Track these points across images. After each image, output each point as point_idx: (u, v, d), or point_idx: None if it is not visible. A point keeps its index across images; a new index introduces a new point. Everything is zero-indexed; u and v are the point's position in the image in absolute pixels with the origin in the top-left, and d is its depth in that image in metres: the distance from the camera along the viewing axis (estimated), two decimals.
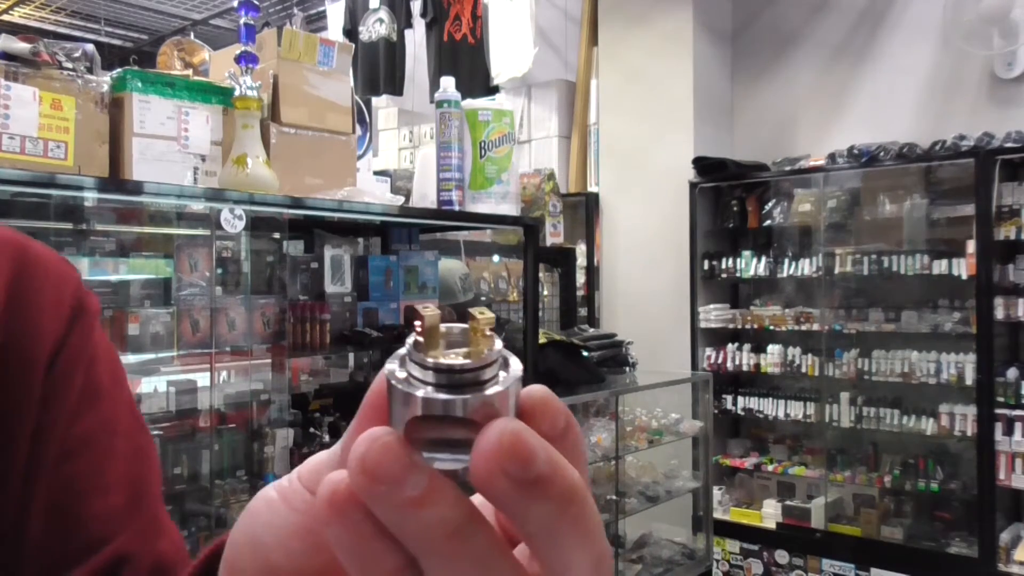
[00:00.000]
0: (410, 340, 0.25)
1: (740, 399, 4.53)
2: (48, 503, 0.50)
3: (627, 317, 4.72)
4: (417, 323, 0.25)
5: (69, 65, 1.88)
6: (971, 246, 3.77)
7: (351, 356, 2.81)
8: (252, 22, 2.12)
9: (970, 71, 4.09)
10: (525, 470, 0.22)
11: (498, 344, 0.25)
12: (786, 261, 4.40)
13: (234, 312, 2.17)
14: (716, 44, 4.77)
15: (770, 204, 4.51)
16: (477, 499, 0.24)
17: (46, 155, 1.80)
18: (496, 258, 3.94)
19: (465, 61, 4.61)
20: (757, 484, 4.51)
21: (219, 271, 2.16)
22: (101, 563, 0.50)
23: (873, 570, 3.94)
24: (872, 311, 4.13)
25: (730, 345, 4.58)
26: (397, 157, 5.94)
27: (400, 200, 2.62)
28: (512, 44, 4.55)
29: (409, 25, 4.95)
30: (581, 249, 4.80)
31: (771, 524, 4.28)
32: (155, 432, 1.93)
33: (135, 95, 1.96)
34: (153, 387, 2.08)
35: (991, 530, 3.66)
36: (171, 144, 2.04)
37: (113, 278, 2.09)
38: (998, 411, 3.67)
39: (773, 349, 4.41)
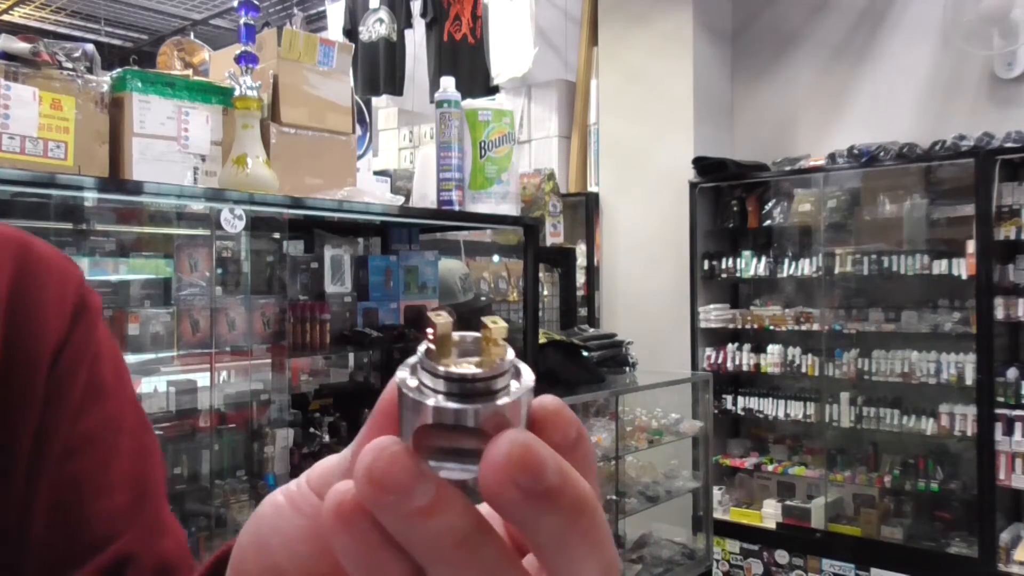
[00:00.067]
0: (422, 348, 0.25)
1: (740, 399, 4.53)
2: (52, 502, 0.50)
3: (627, 317, 4.72)
4: (429, 331, 0.25)
5: (69, 65, 1.88)
6: (971, 246, 3.77)
7: (351, 356, 2.81)
8: (252, 22, 2.11)
9: (970, 71, 4.09)
10: (535, 482, 0.22)
11: (510, 354, 0.25)
12: (786, 261, 4.40)
13: (234, 312, 2.17)
14: (716, 44, 4.77)
15: (770, 204, 4.51)
16: (485, 508, 0.24)
17: (46, 155, 1.80)
18: (496, 258, 3.94)
19: (465, 61, 4.62)
20: (757, 484, 4.51)
21: (219, 271, 2.15)
22: (105, 562, 0.50)
23: (873, 570, 3.94)
24: (872, 311, 4.14)
25: (730, 345, 4.58)
26: (397, 157, 5.94)
27: (400, 200, 2.62)
28: (512, 44, 4.56)
29: (409, 25, 4.95)
30: (581, 249, 4.80)
31: (771, 524, 4.28)
32: (155, 432, 1.93)
33: (135, 95, 1.96)
34: (153, 387, 2.08)
35: (991, 530, 3.66)
36: (171, 144, 2.04)
37: (113, 278, 2.09)
38: (998, 411, 3.67)
39: (773, 349, 4.42)
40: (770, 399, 4.44)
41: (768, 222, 4.51)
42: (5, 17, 6.56)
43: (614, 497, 3.20)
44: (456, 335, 0.25)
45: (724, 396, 4.54)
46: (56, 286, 0.54)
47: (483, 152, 2.52)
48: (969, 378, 3.78)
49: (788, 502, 4.31)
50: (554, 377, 2.99)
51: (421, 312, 2.66)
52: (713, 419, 3.89)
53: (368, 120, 4.23)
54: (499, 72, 4.61)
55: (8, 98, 1.73)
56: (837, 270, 4.22)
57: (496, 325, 0.25)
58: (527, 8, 4.54)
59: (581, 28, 5.20)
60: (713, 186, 4.55)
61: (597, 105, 5.02)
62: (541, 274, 3.58)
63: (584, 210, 4.94)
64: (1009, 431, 3.64)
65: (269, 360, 2.26)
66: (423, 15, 4.74)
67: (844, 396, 4.20)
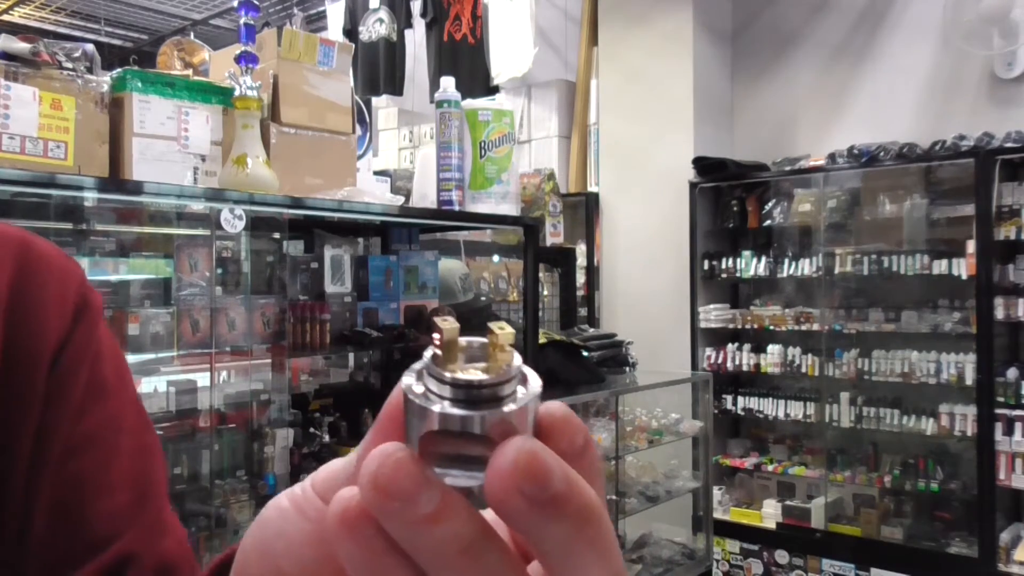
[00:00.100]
0: (428, 354, 0.25)
1: (740, 399, 4.53)
2: (52, 501, 0.50)
3: (627, 317, 4.72)
4: (436, 336, 0.25)
5: (69, 65, 1.88)
6: (971, 246, 3.77)
7: (351, 356, 2.81)
8: (252, 22, 2.11)
9: (970, 71, 4.09)
10: (541, 489, 0.22)
11: (517, 360, 0.25)
12: (786, 261, 4.40)
13: (234, 312, 2.17)
14: (716, 44, 4.77)
15: (770, 204, 4.51)
16: (490, 514, 0.24)
17: (46, 155, 1.80)
18: (496, 258, 3.94)
19: (465, 61, 4.62)
20: (757, 484, 4.51)
21: (219, 271, 2.15)
22: (106, 562, 0.50)
23: (873, 570, 3.94)
24: (872, 311, 4.14)
25: (730, 345, 4.58)
26: (397, 157, 5.94)
27: (400, 200, 2.62)
28: (512, 44, 4.56)
29: (409, 25, 4.95)
30: (581, 249, 4.80)
31: (771, 524, 4.28)
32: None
33: (135, 95, 1.96)
34: (153, 387, 2.08)
35: (991, 530, 3.66)
36: (171, 144, 2.04)
37: (113, 278, 2.09)
38: (998, 411, 3.67)
39: (773, 349, 4.42)
40: (770, 399, 4.44)
41: (768, 222, 4.51)
42: (5, 17, 6.56)
43: (614, 497, 3.20)
44: (463, 341, 0.25)
45: (724, 396, 4.54)
46: (57, 285, 0.54)
47: (483, 152, 2.52)
48: (969, 378, 3.78)
49: (788, 502, 4.31)
50: (554, 377, 2.99)
51: (421, 312, 2.66)
52: (713, 419, 3.88)
53: (368, 120, 4.23)
54: (499, 72, 4.61)
55: (8, 98, 1.73)
56: (837, 270, 4.22)
57: (503, 331, 0.25)
58: (527, 8, 4.54)
59: (581, 28, 5.20)
60: (713, 186, 4.55)
61: (597, 105, 5.02)
62: (541, 274, 3.58)
63: (584, 210, 4.94)
64: (1009, 431, 3.64)
65: (269, 360, 2.26)
66: (423, 15, 4.74)
67: (844, 396, 4.20)
